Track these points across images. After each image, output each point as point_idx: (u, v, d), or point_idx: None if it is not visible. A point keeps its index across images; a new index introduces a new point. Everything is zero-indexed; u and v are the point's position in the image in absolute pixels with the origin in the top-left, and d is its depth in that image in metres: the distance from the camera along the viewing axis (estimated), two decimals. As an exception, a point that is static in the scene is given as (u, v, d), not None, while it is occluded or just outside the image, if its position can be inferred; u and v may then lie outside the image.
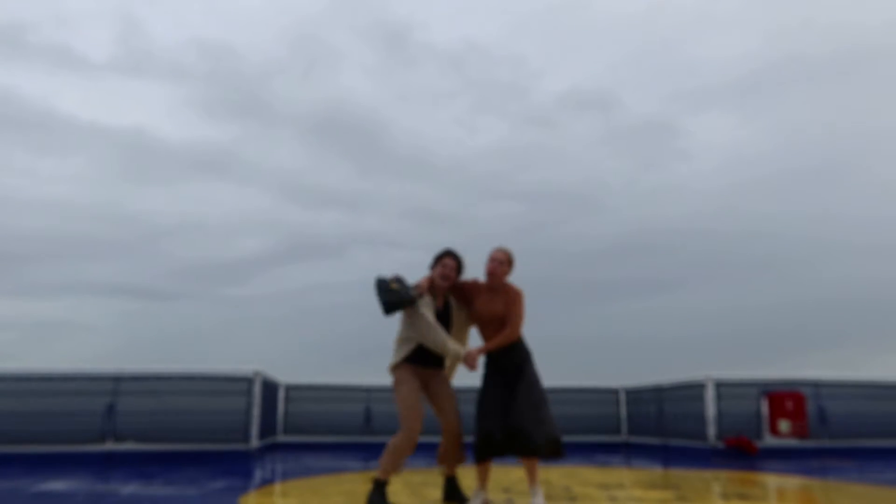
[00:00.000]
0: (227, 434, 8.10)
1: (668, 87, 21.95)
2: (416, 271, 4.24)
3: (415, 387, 3.95)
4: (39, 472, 6.24)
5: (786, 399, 8.86)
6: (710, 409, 8.84)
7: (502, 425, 3.90)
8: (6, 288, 18.52)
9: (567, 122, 21.57)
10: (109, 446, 7.77)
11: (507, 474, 6.05)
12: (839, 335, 17.95)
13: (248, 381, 8.37)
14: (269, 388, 9.22)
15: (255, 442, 8.17)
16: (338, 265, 21.25)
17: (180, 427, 8.01)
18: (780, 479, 6.10)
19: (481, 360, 4.08)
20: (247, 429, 8.19)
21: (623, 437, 11.27)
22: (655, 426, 10.27)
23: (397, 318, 4.13)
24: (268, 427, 9.17)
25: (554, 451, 3.88)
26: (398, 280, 3.98)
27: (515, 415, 3.87)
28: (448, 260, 4.12)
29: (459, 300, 4.25)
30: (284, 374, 10.33)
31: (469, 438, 4.03)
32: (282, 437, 10.21)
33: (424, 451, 5.50)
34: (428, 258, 4.22)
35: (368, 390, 10.28)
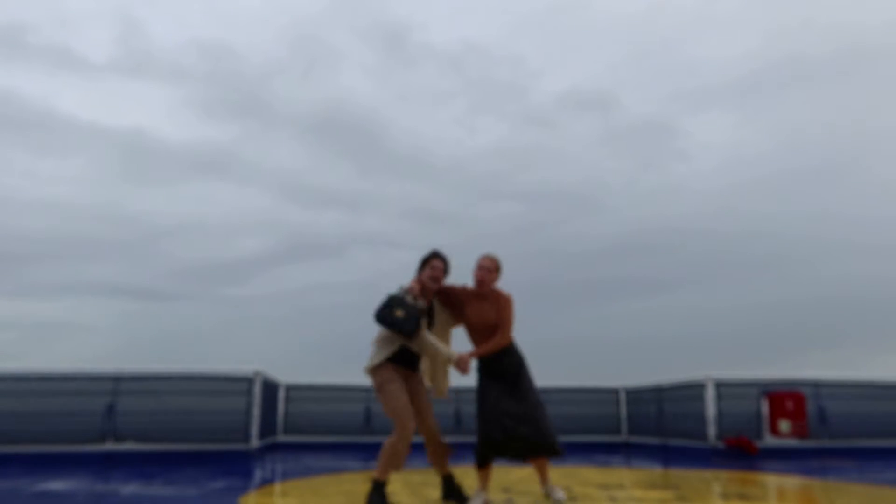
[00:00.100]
0: (227, 434, 8.10)
1: (667, 87, 21.96)
2: (415, 272, 4.25)
3: (402, 385, 3.97)
4: (39, 472, 6.24)
5: (786, 399, 8.86)
6: (710, 409, 8.84)
7: (507, 428, 3.93)
8: (6, 288, 18.53)
9: (567, 122, 21.59)
10: (109, 446, 7.77)
11: (507, 474, 6.05)
12: (839, 335, 17.95)
13: (248, 381, 8.37)
14: (269, 388, 9.22)
15: (255, 442, 8.17)
16: (338, 265, 21.27)
17: (180, 427, 8.01)
18: (780, 479, 6.10)
19: (473, 364, 4.11)
20: (247, 429, 8.19)
21: (623, 437, 11.27)
22: (655, 426, 10.27)
23: None
24: (268, 427, 9.17)
25: (557, 451, 4.02)
26: (404, 305, 3.94)
27: (523, 418, 3.94)
28: (436, 262, 4.15)
29: (445, 304, 4.26)
30: (284, 374, 10.34)
31: (463, 440, 4.05)
32: (282, 437, 10.21)
33: (424, 450, 5.50)
34: (427, 258, 4.23)
35: (368, 390, 10.25)
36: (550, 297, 20.05)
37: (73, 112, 20.75)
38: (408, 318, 3.89)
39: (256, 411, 8.29)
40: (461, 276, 4.34)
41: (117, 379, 8.06)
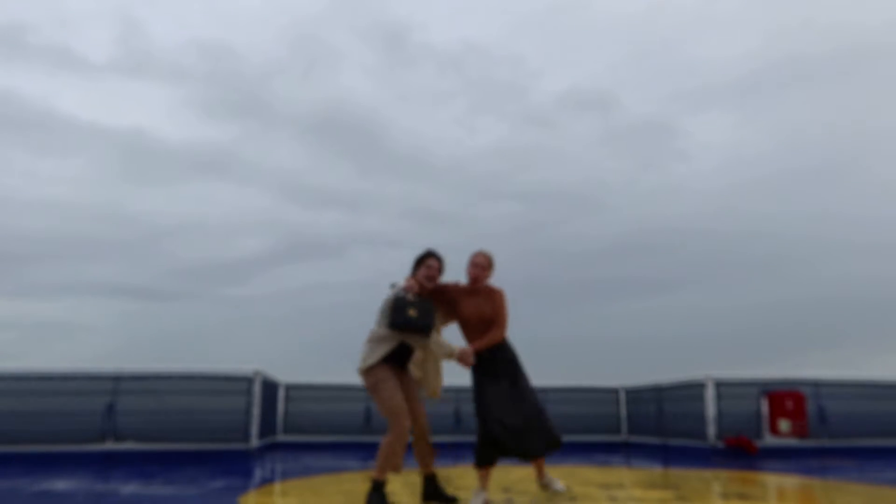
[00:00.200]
0: (226, 434, 8.10)
1: (667, 87, 21.97)
2: (409, 271, 4.26)
3: (397, 384, 3.97)
4: (39, 472, 6.24)
5: (786, 399, 8.86)
6: (710, 409, 8.84)
7: (510, 427, 3.94)
8: (6, 288, 18.53)
9: (566, 122, 21.59)
10: (109, 446, 7.77)
11: (507, 474, 6.05)
12: (839, 334, 17.95)
13: (248, 380, 8.37)
14: (269, 387, 9.22)
15: (254, 441, 8.17)
16: (338, 265, 21.27)
17: (180, 427, 8.01)
18: (780, 479, 6.10)
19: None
20: (247, 428, 8.19)
21: (623, 437, 11.28)
22: (655, 426, 10.27)
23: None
24: (267, 427, 9.17)
25: (560, 442, 4.11)
26: (413, 304, 3.96)
27: (528, 416, 3.97)
28: (432, 261, 4.17)
29: (438, 302, 4.28)
30: (284, 374, 10.34)
31: (463, 440, 4.05)
32: (281, 437, 10.21)
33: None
34: (427, 258, 4.23)
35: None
36: (551, 297, 20.07)
37: (73, 112, 20.79)
38: (422, 315, 3.93)
39: (256, 411, 8.29)
40: (458, 275, 4.37)
41: (117, 379, 8.06)
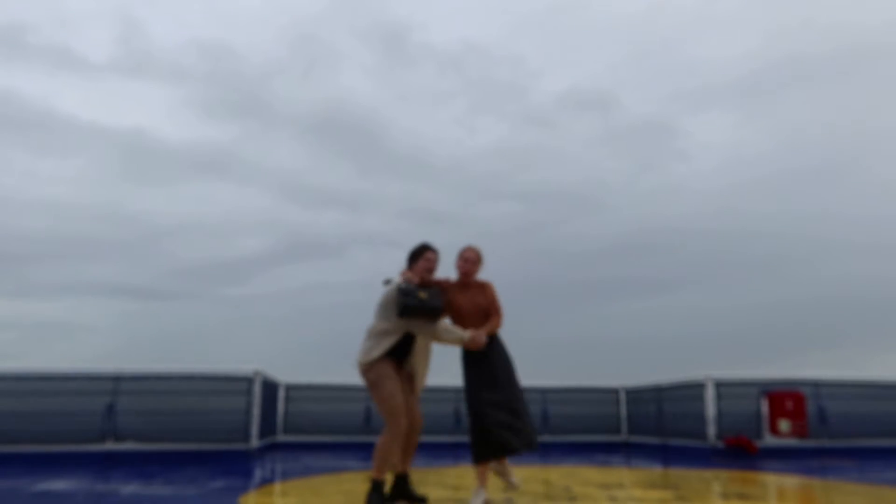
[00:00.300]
0: (227, 434, 8.10)
1: (667, 87, 21.95)
2: (406, 265, 4.29)
3: (398, 382, 3.96)
4: (39, 472, 6.24)
5: (786, 399, 8.86)
6: (710, 409, 8.84)
7: (506, 423, 3.97)
8: (6, 288, 18.53)
9: (566, 122, 21.58)
10: (109, 446, 7.77)
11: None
12: (839, 334, 17.95)
13: (248, 380, 8.37)
14: (269, 387, 9.22)
15: (255, 442, 8.17)
16: (338, 265, 21.26)
17: (180, 427, 8.01)
18: (780, 479, 6.10)
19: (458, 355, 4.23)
20: (247, 428, 8.19)
21: (623, 437, 11.28)
22: (655, 426, 10.27)
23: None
24: (268, 427, 9.17)
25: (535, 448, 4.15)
26: (424, 289, 4.01)
27: (518, 414, 4.01)
28: (430, 254, 4.22)
29: None
30: (284, 374, 10.33)
31: (463, 440, 4.06)
32: (282, 437, 10.21)
33: (424, 450, 5.51)
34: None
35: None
36: (550, 297, 20.07)
37: (73, 112, 20.77)
38: (432, 297, 3.96)
39: (256, 411, 8.28)
40: (451, 272, 4.41)
41: (117, 379, 8.06)
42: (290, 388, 10.44)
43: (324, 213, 22.11)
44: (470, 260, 4.30)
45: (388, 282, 4.14)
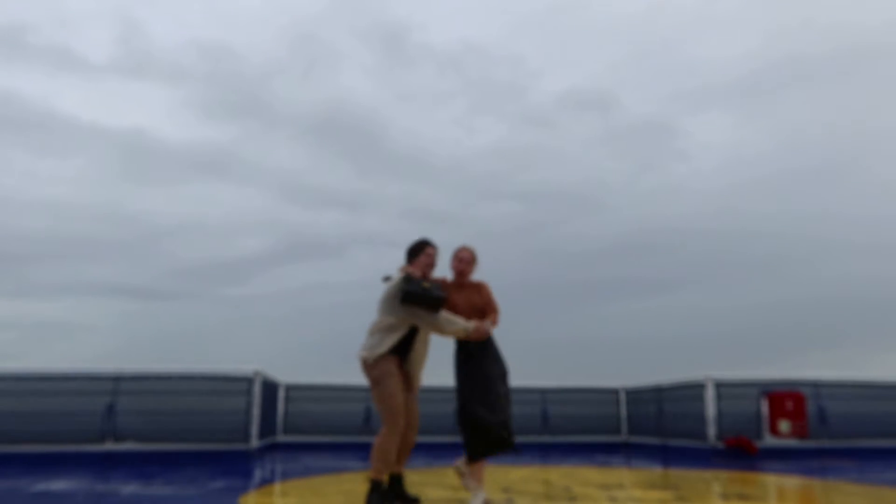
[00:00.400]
0: (227, 434, 8.10)
1: (667, 87, 21.93)
2: (405, 261, 4.30)
3: (400, 381, 3.96)
4: (39, 472, 6.24)
5: (786, 399, 8.86)
6: (710, 409, 8.84)
7: (499, 422, 4.00)
8: (6, 288, 18.52)
9: (566, 123, 21.57)
10: (109, 446, 7.77)
11: (507, 474, 6.05)
12: (839, 334, 17.94)
13: (248, 380, 8.37)
14: (269, 387, 9.22)
15: (254, 442, 8.17)
16: (338, 265, 21.26)
17: (180, 427, 8.00)
18: (780, 479, 6.10)
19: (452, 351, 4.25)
20: (247, 429, 8.19)
21: (623, 437, 11.27)
22: (655, 426, 10.27)
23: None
24: (268, 427, 9.17)
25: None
26: (423, 279, 4.03)
27: (507, 415, 4.06)
28: (431, 249, 4.25)
29: None
30: (284, 374, 10.33)
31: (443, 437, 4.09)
32: (282, 437, 10.21)
33: (425, 450, 5.51)
34: (427, 258, 4.25)
35: (368, 390, 10.13)
36: (550, 297, 20.07)
37: (74, 112, 20.76)
38: (435, 287, 3.96)
39: (256, 411, 8.28)
40: (446, 272, 4.42)
41: (117, 379, 8.06)
42: (290, 389, 10.44)
43: (324, 213, 22.13)
44: (465, 260, 4.32)
45: (388, 279, 4.14)
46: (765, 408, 9.00)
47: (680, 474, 6.40)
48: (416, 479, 5.45)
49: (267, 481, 5.76)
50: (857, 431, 9.31)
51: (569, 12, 20.97)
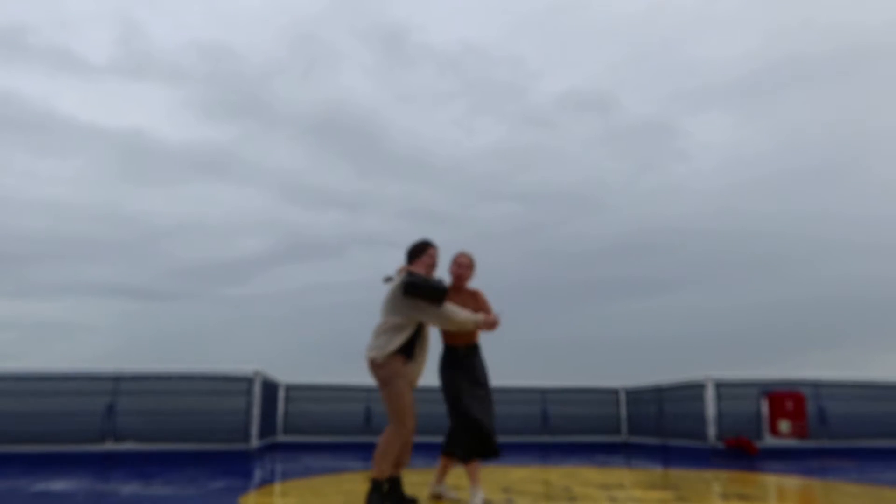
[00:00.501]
0: (227, 434, 8.10)
1: (667, 88, 21.94)
2: (405, 262, 4.30)
3: (408, 382, 3.97)
4: (39, 472, 6.24)
5: (786, 399, 8.86)
6: (710, 409, 8.84)
7: (488, 426, 4.08)
8: (6, 288, 18.53)
9: (566, 123, 21.57)
10: (109, 446, 7.77)
11: (507, 474, 6.06)
12: (839, 334, 17.95)
13: (248, 380, 8.37)
14: (269, 387, 9.22)
15: (255, 442, 8.17)
16: (338, 265, 21.26)
17: (180, 427, 8.00)
18: (780, 479, 6.10)
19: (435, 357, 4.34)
20: (247, 429, 8.19)
21: (623, 437, 11.27)
22: (655, 426, 10.27)
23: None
24: (268, 427, 9.17)
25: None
26: (426, 276, 4.07)
27: (487, 417, 4.12)
28: (433, 250, 4.27)
29: None
30: (284, 374, 10.33)
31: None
32: (282, 437, 10.21)
33: (425, 450, 5.51)
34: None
35: (368, 390, 10.26)
36: (550, 297, 20.06)
37: (73, 113, 20.75)
38: (438, 281, 3.98)
39: (256, 411, 8.28)
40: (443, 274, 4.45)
41: (117, 379, 8.06)
42: (290, 389, 10.43)
43: (324, 214, 22.13)
44: (463, 265, 4.36)
45: (389, 279, 4.14)
46: (765, 408, 9.00)
47: (680, 474, 6.40)
48: (416, 479, 5.45)
49: (267, 481, 5.76)
50: (857, 431, 9.31)
51: (568, 13, 20.98)
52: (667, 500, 4.44)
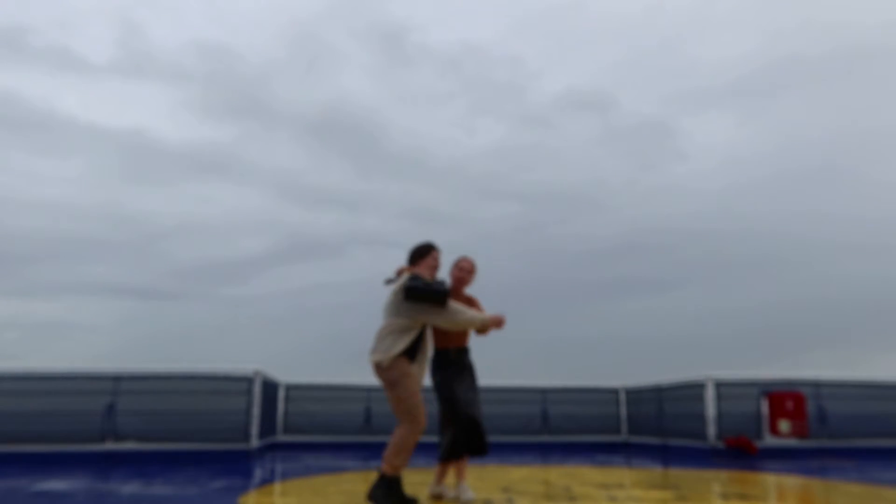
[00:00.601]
0: (227, 434, 8.10)
1: (666, 88, 21.95)
2: (407, 263, 4.30)
3: (417, 381, 3.99)
4: (39, 472, 6.24)
5: (786, 399, 8.86)
6: (710, 409, 8.84)
7: (479, 425, 4.15)
8: (6, 288, 18.53)
9: (565, 123, 21.58)
10: (109, 446, 7.77)
11: (507, 474, 6.06)
12: (839, 334, 17.95)
13: (248, 380, 8.37)
14: (269, 387, 9.22)
15: (255, 441, 8.17)
16: (338, 265, 21.26)
17: (180, 427, 8.00)
18: (780, 479, 6.10)
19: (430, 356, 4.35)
20: (247, 428, 8.19)
21: (623, 437, 11.27)
22: (655, 426, 10.27)
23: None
24: (268, 427, 9.17)
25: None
26: (428, 279, 4.06)
27: (482, 418, 4.19)
28: (437, 253, 4.28)
29: None
30: (284, 374, 10.33)
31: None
32: (281, 437, 10.21)
33: (425, 450, 5.51)
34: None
35: (368, 390, 10.27)
36: (550, 297, 20.06)
37: (74, 113, 20.75)
38: (439, 283, 3.98)
39: (256, 411, 8.28)
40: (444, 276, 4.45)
41: (117, 379, 8.06)
42: (290, 388, 10.43)
43: (324, 213, 22.14)
44: (465, 269, 4.39)
45: (390, 281, 4.14)
46: (765, 408, 9.00)
47: (680, 474, 6.40)
48: (415, 479, 5.45)
49: (267, 481, 5.76)
50: (857, 431, 9.31)
51: (567, 13, 20.99)
52: (667, 500, 4.44)
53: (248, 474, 6.27)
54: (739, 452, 8.52)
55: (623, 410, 11.45)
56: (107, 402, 7.91)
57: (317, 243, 21.18)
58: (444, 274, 4.39)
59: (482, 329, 4.13)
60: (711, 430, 8.77)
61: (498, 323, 4.07)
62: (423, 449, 5.15)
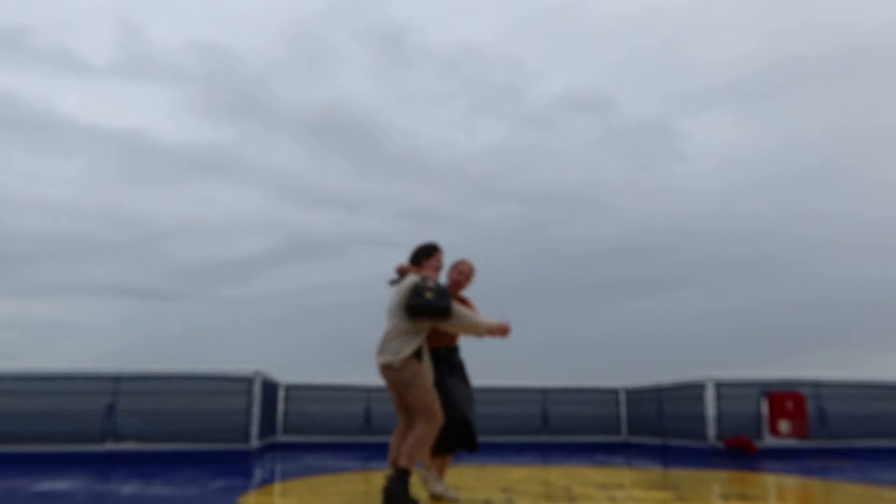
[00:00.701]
0: (227, 434, 8.10)
1: (665, 88, 21.94)
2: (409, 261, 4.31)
3: (430, 379, 4.01)
4: (39, 472, 6.24)
5: (786, 399, 8.86)
6: (710, 410, 8.84)
7: (470, 423, 4.19)
8: (6, 288, 18.52)
9: (565, 123, 21.58)
10: (109, 446, 7.77)
11: (507, 474, 6.06)
12: (839, 334, 17.94)
13: (247, 380, 8.37)
14: (269, 387, 9.22)
15: (254, 442, 8.17)
16: (338, 265, 21.26)
17: (180, 427, 8.00)
18: (780, 479, 6.10)
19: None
20: (247, 429, 8.18)
21: (623, 437, 11.27)
22: (655, 426, 10.27)
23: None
24: (268, 427, 9.17)
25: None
26: (430, 288, 3.98)
27: (472, 413, 4.24)
28: (440, 255, 4.29)
29: None
30: (284, 374, 10.32)
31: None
32: (281, 437, 10.21)
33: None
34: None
35: (368, 390, 10.27)
36: (550, 297, 20.07)
37: (74, 113, 20.75)
38: (439, 296, 3.93)
39: (256, 411, 8.28)
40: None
41: (117, 379, 8.06)
42: (290, 388, 10.43)
43: (324, 214, 22.14)
44: (464, 273, 4.41)
45: (395, 282, 4.15)
46: (765, 408, 9.00)
47: (680, 474, 6.40)
48: (416, 479, 5.45)
49: (267, 481, 5.76)
50: (857, 431, 9.31)
51: (567, 13, 20.98)
52: (667, 500, 4.44)
53: (248, 474, 6.27)
54: (739, 453, 8.52)
55: (623, 411, 11.45)
56: (107, 402, 7.91)
57: (317, 243, 21.19)
58: (442, 276, 4.39)
59: (486, 336, 4.15)
60: (711, 430, 8.77)
61: (503, 331, 4.06)
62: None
